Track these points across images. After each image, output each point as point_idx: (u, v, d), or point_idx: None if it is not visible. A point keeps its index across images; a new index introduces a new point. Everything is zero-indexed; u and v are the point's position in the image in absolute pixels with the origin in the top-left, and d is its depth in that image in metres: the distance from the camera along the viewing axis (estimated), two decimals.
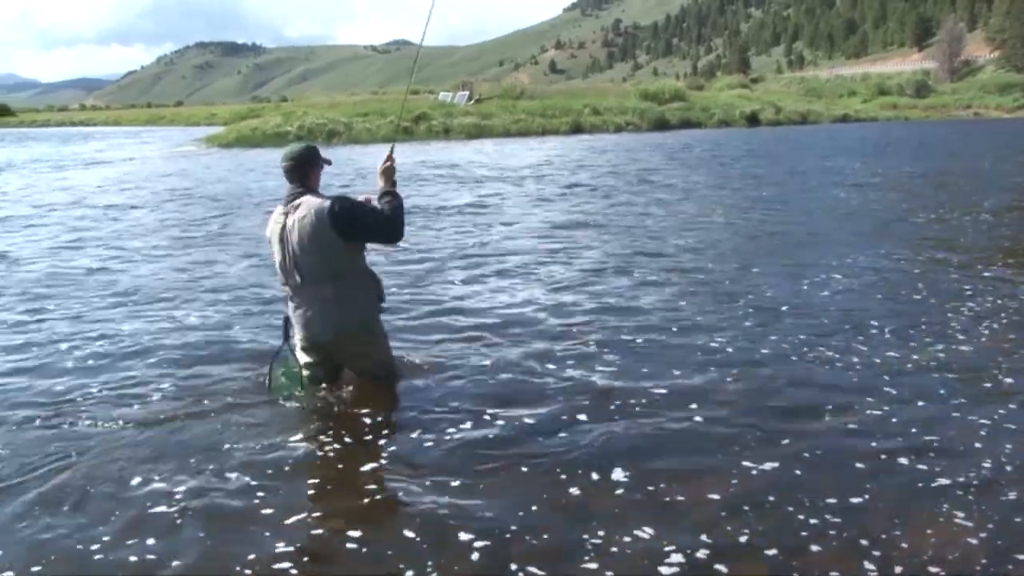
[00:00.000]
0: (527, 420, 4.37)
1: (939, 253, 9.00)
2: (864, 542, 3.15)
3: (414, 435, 4.21)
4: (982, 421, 4.28)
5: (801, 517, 3.33)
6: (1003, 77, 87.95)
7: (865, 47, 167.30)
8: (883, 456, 3.88)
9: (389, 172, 4.79)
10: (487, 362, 5.35)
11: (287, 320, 4.78)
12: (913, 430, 4.19)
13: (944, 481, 3.64)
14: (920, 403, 4.56)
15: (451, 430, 4.25)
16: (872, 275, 7.86)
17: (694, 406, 4.52)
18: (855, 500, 3.47)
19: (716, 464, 3.83)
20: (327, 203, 4.45)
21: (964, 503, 3.44)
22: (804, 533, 3.20)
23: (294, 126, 37.11)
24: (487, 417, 4.41)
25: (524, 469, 3.81)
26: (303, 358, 4.80)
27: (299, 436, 4.24)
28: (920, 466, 3.77)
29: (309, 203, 4.49)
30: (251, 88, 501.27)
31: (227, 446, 4.10)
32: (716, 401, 4.62)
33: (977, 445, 4.01)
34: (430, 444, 4.10)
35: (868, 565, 2.99)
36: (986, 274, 7.83)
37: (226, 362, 5.48)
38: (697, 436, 4.17)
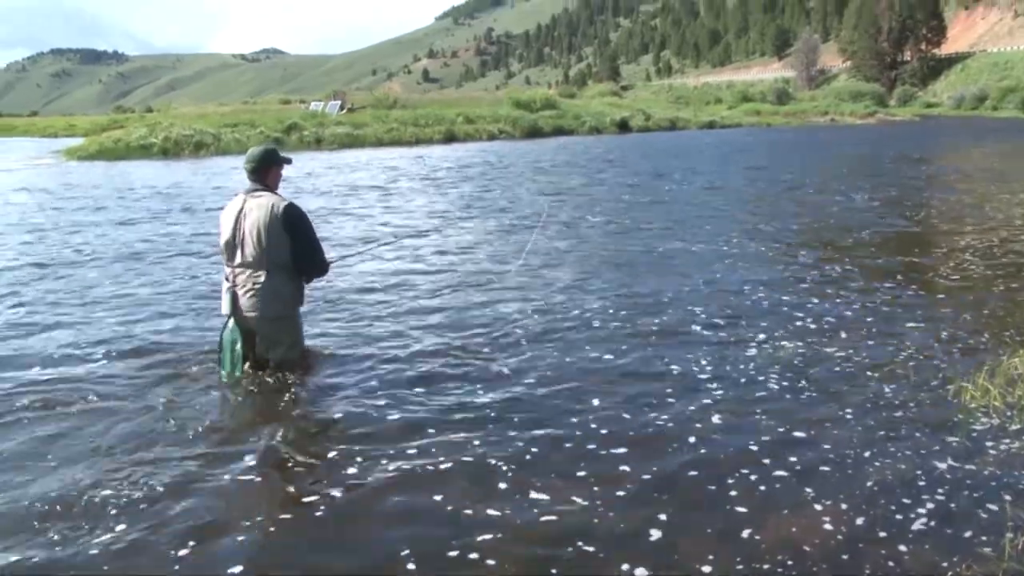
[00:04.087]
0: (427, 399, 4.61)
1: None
2: (726, 532, 3.43)
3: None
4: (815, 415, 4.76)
5: (659, 511, 3.63)
6: (855, 85, 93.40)
7: (729, 56, 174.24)
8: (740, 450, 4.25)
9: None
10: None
11: (234, 295, 5.29)
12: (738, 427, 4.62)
13: (796, 470, 4.01)
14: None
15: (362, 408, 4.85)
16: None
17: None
18: (711, 491, 3.80)
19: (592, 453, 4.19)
20: (285, 202, 5.24)
21: (817, 490, 3.79)
22: (671, 526, 3.49)
23: (159, 138, 35.89)
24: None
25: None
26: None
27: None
28: (771, 465, 4.10)
29: (270, 197, 5.24)
30: (113, 98, 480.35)
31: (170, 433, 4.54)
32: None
33: (822, 435, 4.44)
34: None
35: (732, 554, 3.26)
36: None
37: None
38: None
